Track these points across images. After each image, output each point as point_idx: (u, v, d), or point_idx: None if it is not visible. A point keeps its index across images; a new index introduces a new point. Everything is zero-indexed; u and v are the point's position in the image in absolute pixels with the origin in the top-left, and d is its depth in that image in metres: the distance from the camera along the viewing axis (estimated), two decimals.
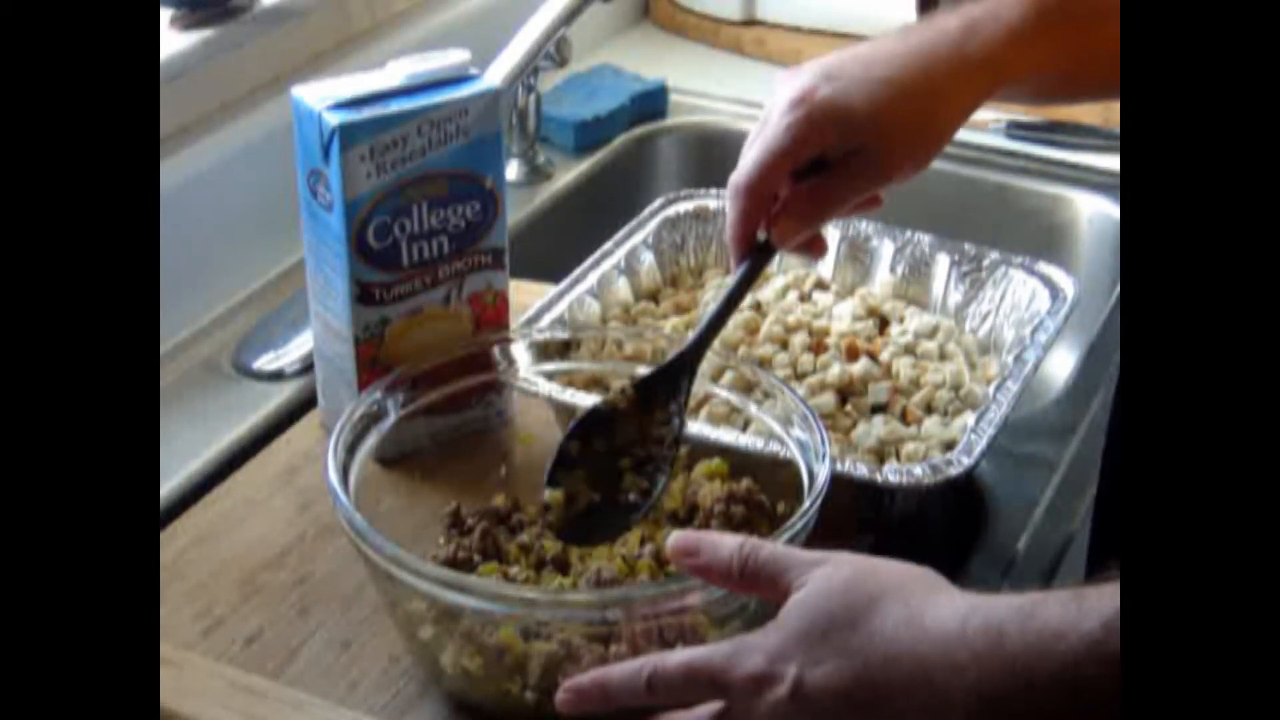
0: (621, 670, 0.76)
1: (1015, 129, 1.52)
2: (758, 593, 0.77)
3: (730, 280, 0.96)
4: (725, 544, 0.78)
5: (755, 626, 0.75)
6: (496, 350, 1.02)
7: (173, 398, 1.12)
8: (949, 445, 0.98)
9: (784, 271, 1.16)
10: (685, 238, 1.19)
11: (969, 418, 0.99)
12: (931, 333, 1.08)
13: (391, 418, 0.96)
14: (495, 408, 1.05)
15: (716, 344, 0.97)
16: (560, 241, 1.38)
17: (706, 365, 0.97)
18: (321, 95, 0.98)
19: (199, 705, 0.85)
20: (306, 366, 1.14)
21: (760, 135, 0.94)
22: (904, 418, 1.02)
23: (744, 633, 0.76)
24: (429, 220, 1.00)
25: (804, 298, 1.14)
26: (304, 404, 1.12)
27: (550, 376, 1.02)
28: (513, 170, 1.45)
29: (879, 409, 1.03)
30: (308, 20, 1.31)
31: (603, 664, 0.79)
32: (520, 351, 1.02)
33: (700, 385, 0.97)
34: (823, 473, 0.87)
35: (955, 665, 0.68)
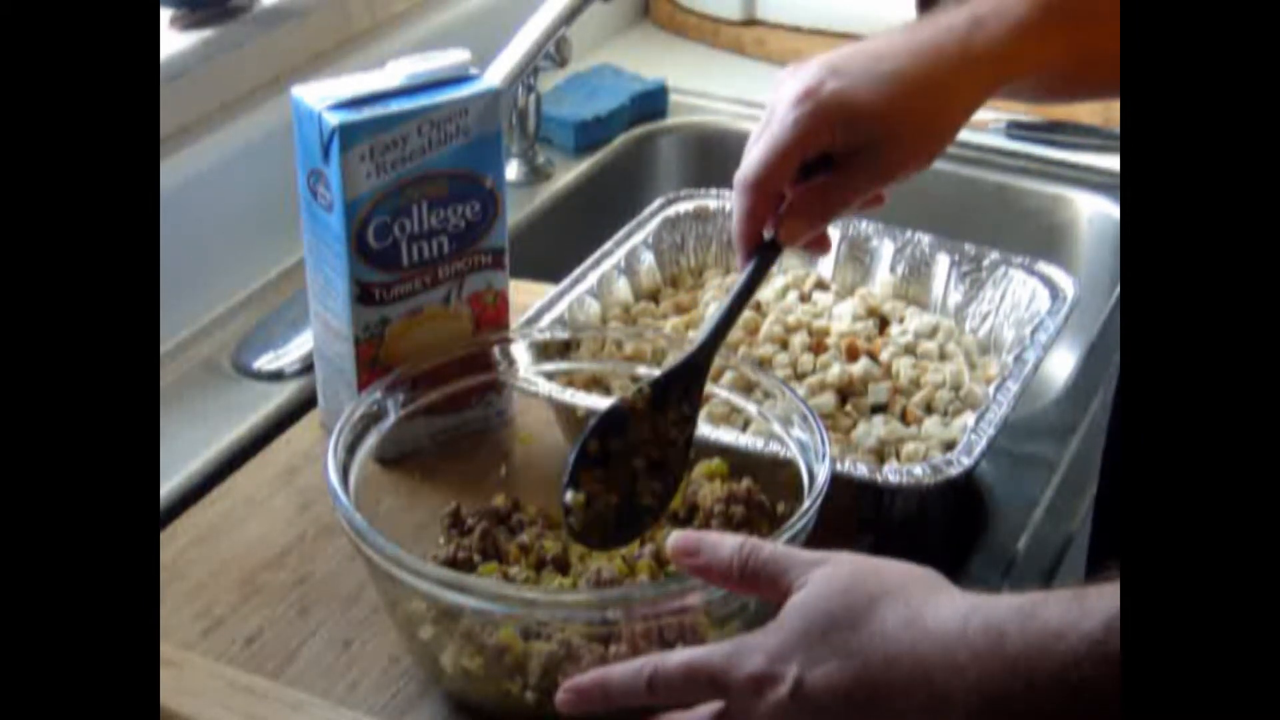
0: (622, 670, 0.76)
1: (1015, 129, 1.52)
2: (757, 593, 0.77)
3: (737, 279, 0.96)
4: (725, 544, 0.78)
5: (755, 626, 0.75)
6: (496, 350, 1.02)
7: (173, 398, 1.12)
8: (949, 445, 0.98)
9: (784, 271, 1.16)
10: (685, 238, 1.19)
11: (969, 418, 0.99)
12: (931, 333, 1.08)
13: (391, 418, 0.96)
14: (495, 408, 1.05)
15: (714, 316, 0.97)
16: (560, 241, 1.38)
17: None
18: (321, 95, 0.98)
19: (199, 705, 0.85)
20: (306, 366, 1.14)
21: (766, 131, 0.93)
22: (904, 418, 1.02)
23: (744, 633, 0.76)
24: (429, 220, 1.00)
25: (804, 298, 1.14)
26: (304, 404, 1.12)
27: (550, 376, 1.02)
28: (513, 170, 1.45)
29: (879, 409, 1.03)
30: (308, 20, 1.31)
31: (603, 664, 0.79)
32: (520, 351, 1.02)
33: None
34: (823, 473, 0.87)
35: (955, 665, 0.68)
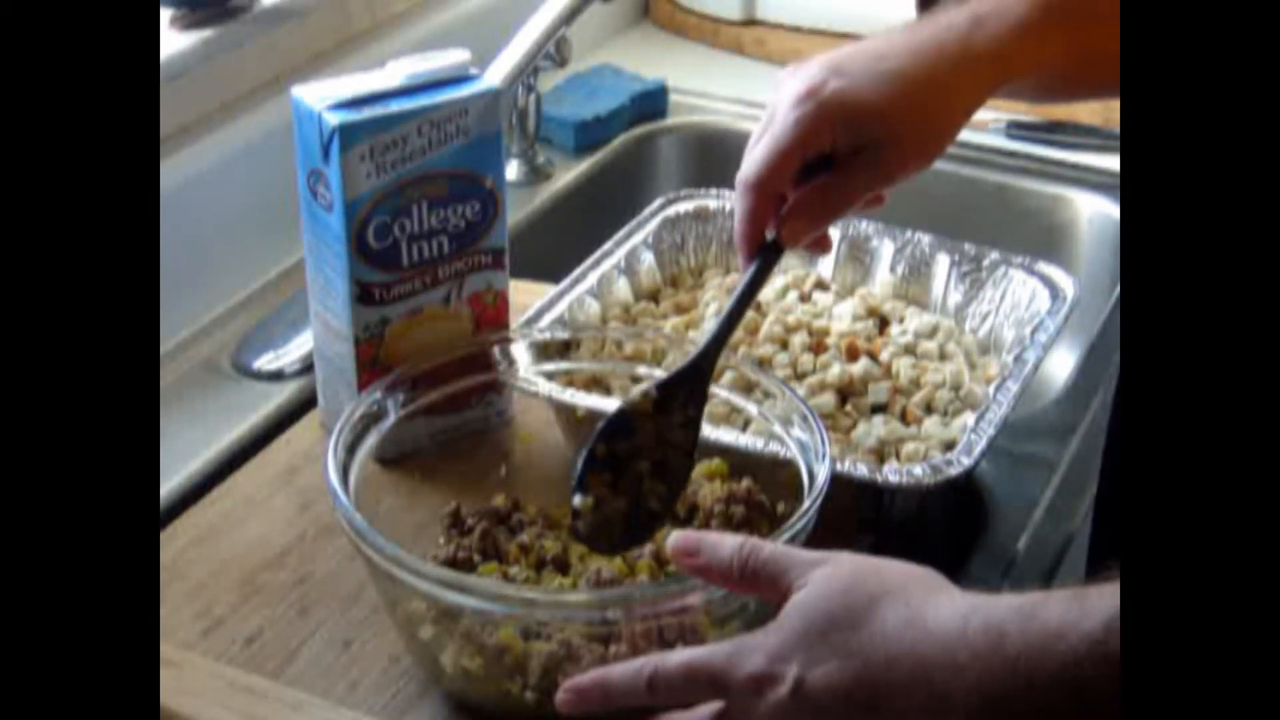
0: (622, 670, 0.76)
1: (1015, 129, 1.52)
2: (757, 593, 0.77)
3: (740, 281, 0.95)
4: (725, 544, 0.78)
5: (755, 626, 0.75)
6: (496, 350, 1.02)
7: (173, 398, 1.12)
8: (949, 445, 0.98)
9: (784, 271, 1.16)
10: (685, 238, 1.19)
11: (969, 418, 0.99)
12: (931, 333, 1.08)
13: (391, 418, 0.96)
14: (495, 408, 1.05)
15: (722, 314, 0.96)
16: (560, 241, 1.38)
17: None
18: (321, 95, 0.98)
19: (199, 705, 0.85)
20: (306, 366, 1.14)
21: (768, 130, 0.93)
22: (904, 418, 1.02)
23: (744, 633, 0.76)
24: (429, 220, 1.00)
25: (804, 298, 1.14)
26: (304, 404, 1.12)
27: (550, 376, 1.02)
28: (513, 170, 1.45)
29: (879, 409, 1.03)
30: (308, 20, 1.31)
31: (603, 664, 0.79)
32: (520, 351, 1.02)
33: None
34: (823, 473, 0.87)
35: (956, 665, 0.68)
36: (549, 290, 1.10)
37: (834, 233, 1.15)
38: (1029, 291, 1.09)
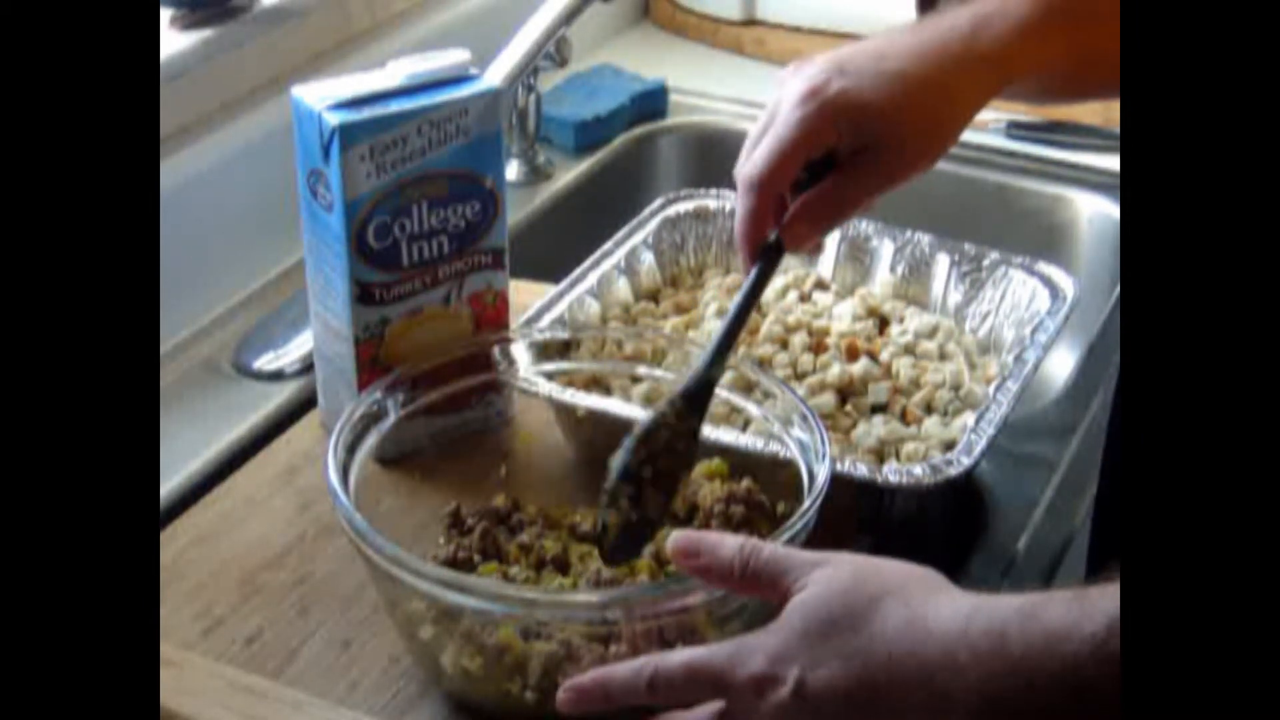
0: (623, 670, 0.76)
1: (1015, 129, 1.52)
2: (758, 594, 0.77)
3: (743, 284, 0.94)
4: (726, 545, 0.77)
5: (755, 627, 0.75)
6: (496, 350, 1.02)
7: (173, 398, 1.12)
8: (949, 445, 0.98)
9: (784, 271, 1.16)
10: (685, 238, 1.19)
11: (969, 418, 0.99)
12: (931, 333, 1.08)
13: (391, 418, 0.96)
14: (495, 408, 1.05)
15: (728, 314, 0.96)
16: (560, 241, 1.38)
17: None
18: (321, 95, 0.98)
19: (199, 705, 0.85)
20: (306, 366, 1.14)
21: (772, 129, 0.93)
22: (904, 418, 1.02)
23: (744, 633, 0.76)
24: (429, 220, 1.00)
25: (804, 298, 1.14)
26: (304, 404, 1.12)
27: (550, 376, 1.02)
28: (513, 170, 1.45)
29: (879, 409, 1.03)
30: (308, 20, 1.31)
31: (603, 664, 0.79)
32: (520, 351, 1.02)
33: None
34: (823, 473, 0.87)
35: (957, 666, 0.68)
36: (549, 290, 1.10)
37: (834, 233, 1.15)
38: (1029, 291, 1.09)
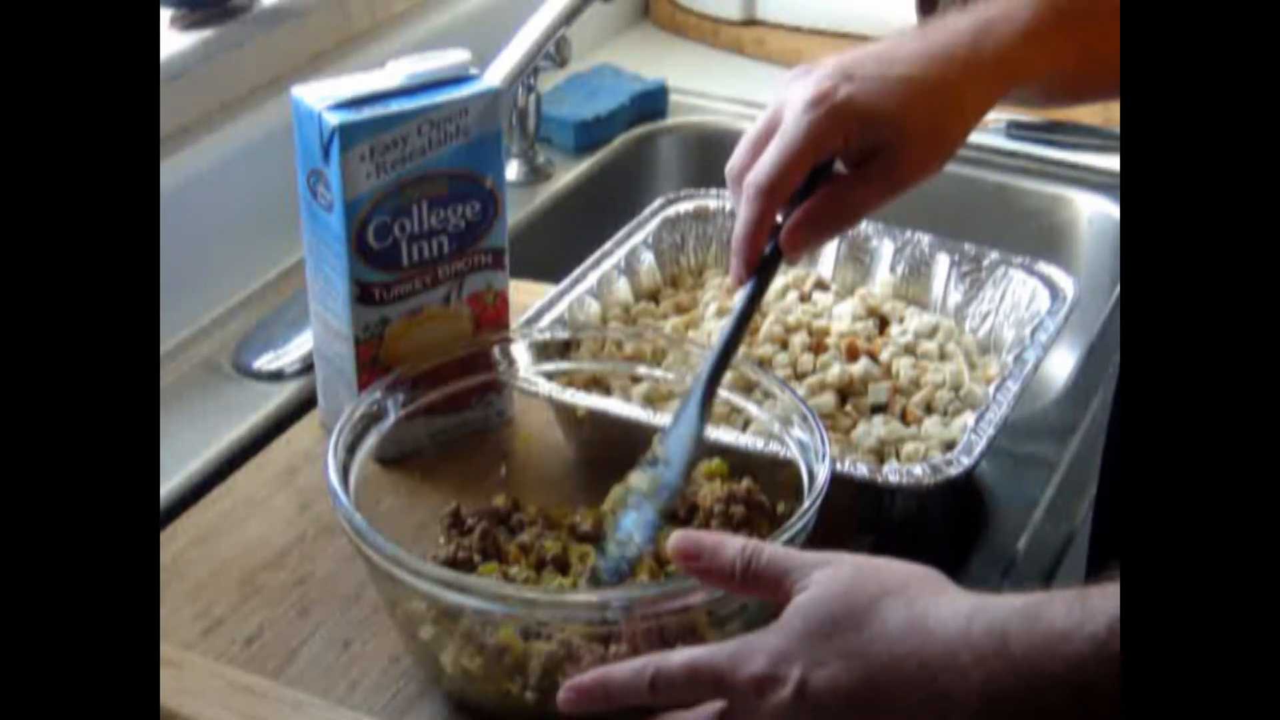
0: (624, 669, 0.76)
1: (1015, 129, 1.52)
2: (759, 595, 0.77)
3: (740, 295, 0.94)
4: (726, 547, 0.77)
5: (755, 626, 0.75)
6: (496, 350, 1.02)
7: (173, 398, 1.12)
8: (949, 445, 0.98)
9: (784, 271, 1.15)
10: (685, 238, 1.19)
11: (969, 418, 0.99)
12: (931, 333, 1.08)
13: (391, 418, 0.96)
14: (495, 408, 1.05)
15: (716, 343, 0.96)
16: (560, 241, 1.38)
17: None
18: (321, 95, 0.98)
19: (199, 705, 0.85)
20: (306, 366, 1.14)
21: (779, 135, 0.92)
22: (904, 418, 1.02)
23: (744, 633, 0.76)
24: (429, 220, 1.00)
25: (804, 298, 1.14)
26: (304, 404, 1.12)
27: (550, 376, 1.02)
28: (513, 170, 1.45)
29: (879, 409, 1.03)
30: (308, 20, 1.31)
31: (603, 664, 0.79)
32: (520, 351, 1.02)
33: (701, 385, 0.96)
34: (823, 473, 0.87)
35: (959, 666, 0.68)
36: (549, 290, 1.10)
37: None
38: (1029, 291, 1.09)
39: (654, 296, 1.16)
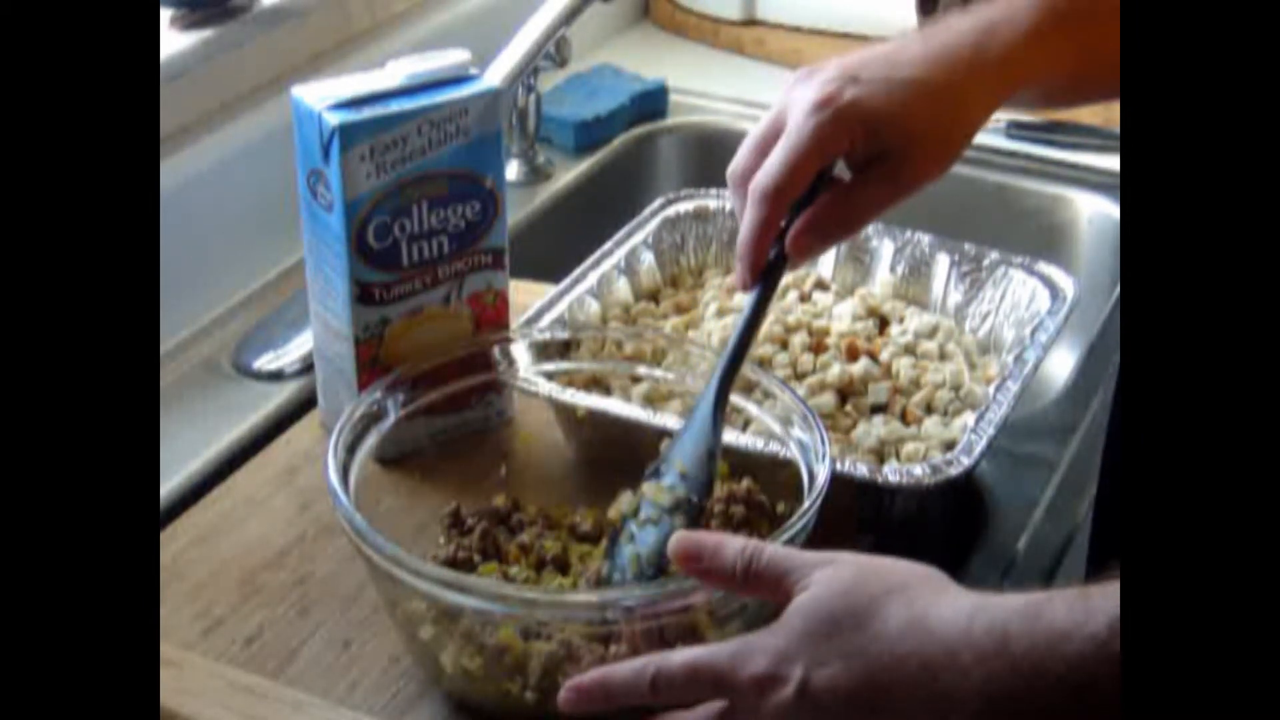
0: (624, 669, 0.76)
1: (1015, 129, 1.52)
2: (760, 595, 0.77)
3: (746, 302, 0.93)
4: (727, 549, 0.77)
5: (755, 626, 0.75)
6: (496, 350, 1.02)
7: (173, 398, 1.12)
8: (949, 445, 0.98)
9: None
10: (685, 238, 1.19)
11: (969, 418, 0.99)
12: (931, 333, 1.08)
13: (391, 418, 0.96)
14: (495, 408, 1.05)
15: (717, 344, 0.97)
16: (560, 241, 1.38)
17: (706, 364, 0.97)
18: (321, 95, 0.98)
19: (199, 705, 0.85)
20: (306, 366, 1.14)
21: (784, 138, 0.91)
22: (904, 418, 1.02)
23: (744, 633, 0.76)
24: (429, 220, 1.00)
25: (804, 298, 1.14)
26: (304, 404, 1.12)
27: (550, 376, 1.02)
28: (513, 170, 1.45)
29: (879, 409, 1.03)
30: (308, 20, 1.31)
31: (603, 664, 0.79)
32: (520, 351, 1.02)
33: (701, 384, 0.96)
34: (823, 473, 0.87)
35: (960, 666, 0.68)
36: (549, 290, 1.10)
37: None
38: (1029, 291, 1.09)
39: (654, 296, 1.16)
